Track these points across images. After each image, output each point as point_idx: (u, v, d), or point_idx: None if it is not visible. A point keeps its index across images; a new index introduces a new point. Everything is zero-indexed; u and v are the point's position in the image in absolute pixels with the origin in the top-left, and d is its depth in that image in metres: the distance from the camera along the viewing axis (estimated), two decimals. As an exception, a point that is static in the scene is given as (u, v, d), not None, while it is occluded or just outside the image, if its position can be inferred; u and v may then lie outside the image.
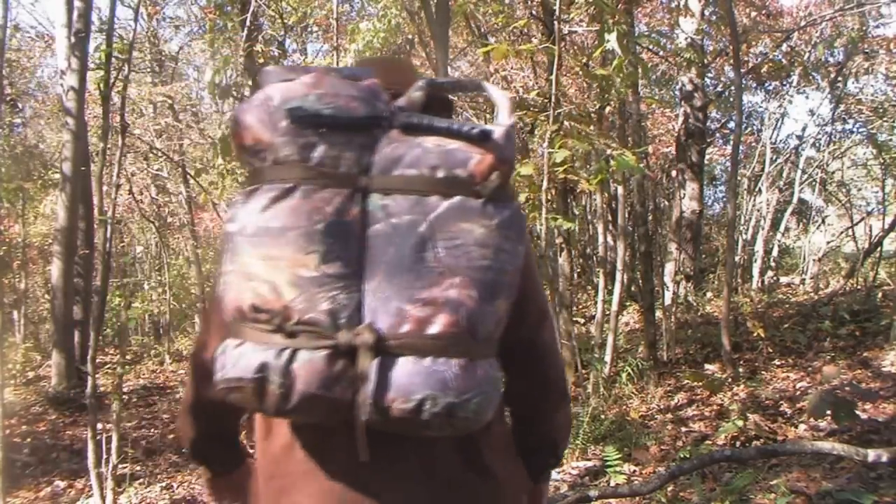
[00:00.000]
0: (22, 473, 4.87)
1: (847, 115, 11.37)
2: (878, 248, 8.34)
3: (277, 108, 0.95)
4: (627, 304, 8.05)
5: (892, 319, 5.75)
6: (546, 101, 5.27)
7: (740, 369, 5.45)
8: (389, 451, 1.02)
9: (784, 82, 11.39)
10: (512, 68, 8.39)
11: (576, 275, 9.47)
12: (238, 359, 0.92)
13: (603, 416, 4.68)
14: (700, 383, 5.08)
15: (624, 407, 5.04)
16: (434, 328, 0.91)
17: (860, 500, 2.79)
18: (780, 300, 8.11)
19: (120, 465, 3.55)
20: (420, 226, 0.93)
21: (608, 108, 6.56)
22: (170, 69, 14.03)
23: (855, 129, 11.79)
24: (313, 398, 0.90)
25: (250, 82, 7.17)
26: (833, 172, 12.60)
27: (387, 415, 0.90)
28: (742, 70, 7.76)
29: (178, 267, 12.99)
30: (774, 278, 10.56)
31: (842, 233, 11.87)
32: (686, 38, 7.88)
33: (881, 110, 10.67)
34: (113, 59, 3.95)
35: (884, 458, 2.83)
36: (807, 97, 18.23)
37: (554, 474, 3.62)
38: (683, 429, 4.50)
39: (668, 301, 7.34)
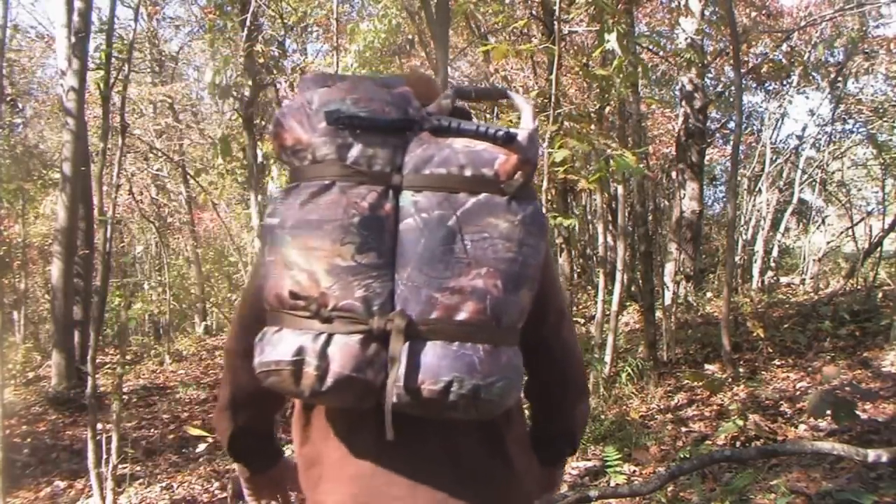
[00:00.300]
0: (22, 473, 4.87)
1: (847, 115, 11.37)
2: (878, 249, 8.33)
3: (316, 111, 1.03)
4: (627, 304, 8.04)
5: (892, 319, 5.74)
6: (546, 101, 5.27)
7: (740, 369, 5.45)
8: (416, 439, 1.07)
9: (784, 82, 11.39)
10: (512, 68, 8.41)
11: (576, 275, 9.46)
12: (277, 343, 0.98)
13: (603, 417, 4.69)
14: (700, 383, 5.08)
15: (624, 407, 5.04)
16: (461, 315, 0.97)
17: (860, 501, 2.78)
18: (780, 300, 8.10)
19: (120, 466, 3.54)
20: (449, 220, 0.99)
21: (608, 108, 6.56)
22: (170, 69, 14.06)
23: (855, 130, 11.82)
24: (347, 380, 0.96)
25: (250, 82, 7.18)
26: (833, 172, 12.60)
27: (417, 396, 0.96)
28: (742, 70, 7.75)
29: (178, 267, 13.01)
30: (774, 278, 10.54)
31: (842, 233, 11.85)
32: (686, 39, 7.87)
33: (881, 110, 10.67)
34: (113, 59, 3.95)
35: (884, 458, 2.83)
36: (807, 97, 18.31)
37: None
38: (683, 429, 4.50)
39: (668, 301, 7.33)
